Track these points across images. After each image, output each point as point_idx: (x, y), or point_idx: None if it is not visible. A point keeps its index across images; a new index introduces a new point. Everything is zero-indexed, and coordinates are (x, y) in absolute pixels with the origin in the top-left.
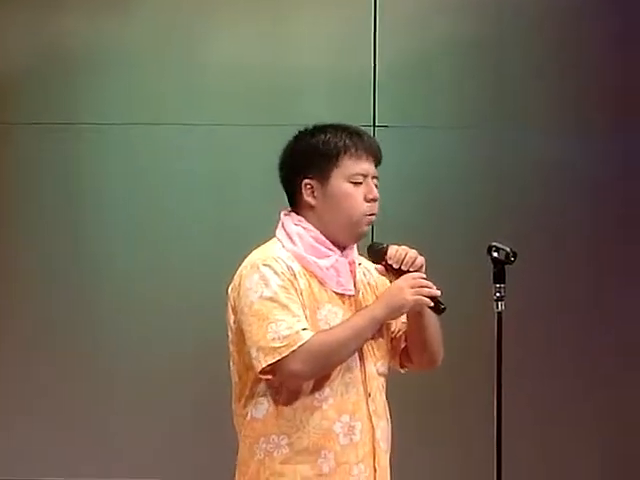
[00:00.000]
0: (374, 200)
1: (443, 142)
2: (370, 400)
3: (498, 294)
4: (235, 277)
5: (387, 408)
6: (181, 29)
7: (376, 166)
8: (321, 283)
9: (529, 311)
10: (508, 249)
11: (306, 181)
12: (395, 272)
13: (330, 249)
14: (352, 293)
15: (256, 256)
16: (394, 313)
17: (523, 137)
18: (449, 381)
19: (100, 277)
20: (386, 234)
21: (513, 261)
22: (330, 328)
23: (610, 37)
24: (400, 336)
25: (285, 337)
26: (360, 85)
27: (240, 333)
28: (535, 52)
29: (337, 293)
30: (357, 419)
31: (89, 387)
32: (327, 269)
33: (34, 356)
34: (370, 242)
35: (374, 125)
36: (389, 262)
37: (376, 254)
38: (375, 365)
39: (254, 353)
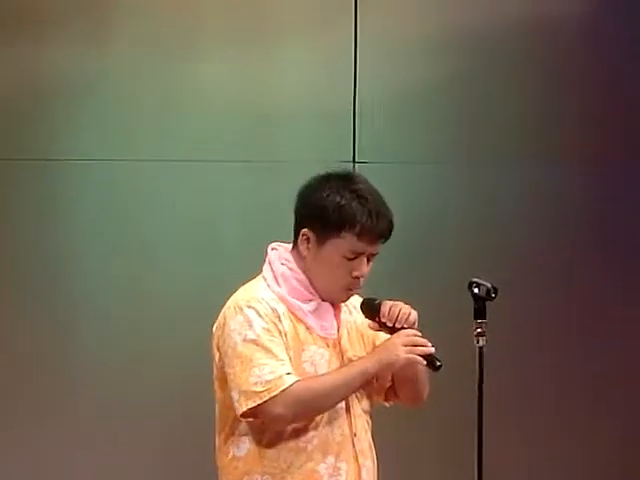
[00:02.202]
0: (359, 277)
1: (423, 177)
2: (356, 440)
3: (479, 330)
4: (220, 316)
5: (372, 447)
6: (161, 63)
7: (382, 243)
8: (305, 326)
9: (510, 346)
10: (489, 285)
11: (304, 231)
12: (388, 328)
13: (312, 292)
14: (335, 337)
15: (240, 296)
16: (386, 369)
17: (505, 171)
18: (430, 417)
19: (77, 314)
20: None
21: (494, 297)
22: (318, 375)
23: (591, 72)
24: (386, 375)
25: (267, 381)
26: (340, 121)
27: (224, 372)
28: (514, 86)
29: (320, 336)
30: (342, 459)
31: (60, 429)
32: (310, 313)
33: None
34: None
35: (354, 161)
36: (383, 320)
37: (369, 310)
38: (360, 403)
39: (236, 396)
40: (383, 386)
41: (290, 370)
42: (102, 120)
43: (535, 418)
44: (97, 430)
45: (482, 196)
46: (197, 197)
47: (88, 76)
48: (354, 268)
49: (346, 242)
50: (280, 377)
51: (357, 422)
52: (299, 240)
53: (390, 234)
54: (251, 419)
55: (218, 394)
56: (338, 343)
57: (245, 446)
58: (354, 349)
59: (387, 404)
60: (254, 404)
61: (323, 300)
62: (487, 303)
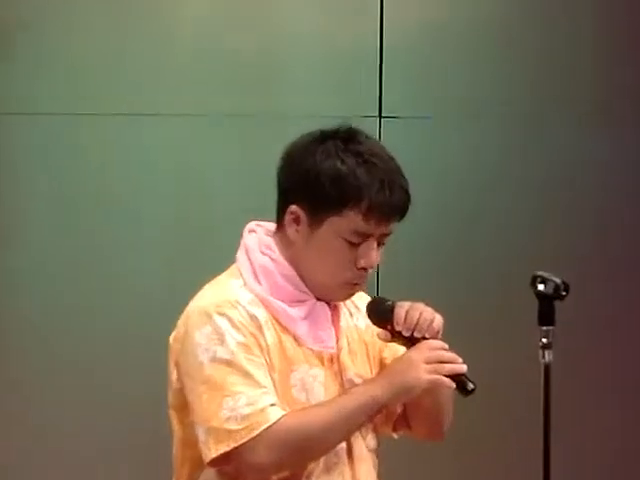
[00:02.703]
0: (366, 269)
1: (462, 136)
2: None
3: (545, 340)
4: (179, 324)
5: None
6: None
7: (397, 221)
8: (294, 338)
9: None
10: (558, 280)
11: (293, 208)
12: (405, 340)
13: (303, 291)
14: (333, 351)
15: (208, 298)
16: (403, 395)
17: (569, 131)
18: (491, 445)
19: (20, 281)
20: (386, 253)
21: (565, 295)
22: (312, 407)
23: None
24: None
25: (245, 417)
26: (364, 69)
27: (183, 398)
28: (571, 32)
29: (314, 350)
30: None
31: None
32: (301, 320)
33: None
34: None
35: (380, 116)
36: (396, 328)
37: (379, 314)
38: (365, 440)
39: (202, 435)
40: (392, 413)
41: (274, 400)
42: (69, 68)
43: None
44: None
45: (542, 158)
46: (179, 155)
47: (53, 15)
48: (360, 256)
49: (350, 222)
50: (262, 410)
51: (361, 468)
52: (285, 220)
53: (407, 210)
54: (222, 466)
55: (175, 427)
56: (336, 359)
57: None
58: (356, 366)
59: (395, 435)
60: (228, 448)
61: (317, 299)
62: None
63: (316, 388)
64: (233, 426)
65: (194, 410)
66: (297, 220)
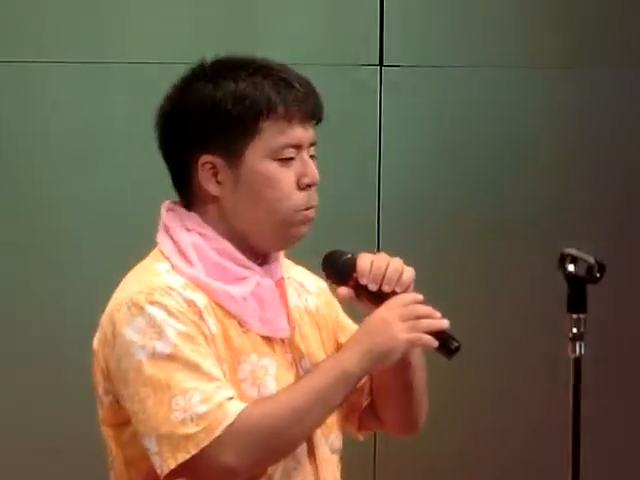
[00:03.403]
0: (311, 185)
1: (467, 85)
2: None
3: (575, 330)
4: (103, 323)
5: None
6: None
7: (315, 125)
8: (239, 323)
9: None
10: (592, 259)
11: (205, 159)
12: (371, 296)
13: (245, 266)
14: (286, 334)
15: (135, 287)
16: (379, 362)
17: (599, 80)
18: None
19: None
20: (390, 216)
21: (599, 278)
22: (274, 395)
23: None
24: (362, 386)
25: (201, 416)
26: (364, 14)
27: (118, 410)
28: None
29: (263, 336)
30: None
31: None
32: (244, 300)
33: None
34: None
35: (381, 65)
36: (361, 282)
37: (338, 270)
38: (327, 440)
39: (153, 446)
40: (356, 406)
41: (232, 393)
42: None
43: None
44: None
45: (565, 109)
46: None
47: None
48: (299, 174)
49: (273, 135)
50: (220, 406)
51: (326, 471)
52: (200, 180)
53: (322, 110)
54: (181, 478)
55: (112, 448)
56: (289, 345)
57: None
58: (310, 354)
59: (360, 436)
60: (187, 455)
61: (263, 259)
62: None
63: (269, 383)
64: (190, 429)
65: (138, 420)
66: (214, 170)
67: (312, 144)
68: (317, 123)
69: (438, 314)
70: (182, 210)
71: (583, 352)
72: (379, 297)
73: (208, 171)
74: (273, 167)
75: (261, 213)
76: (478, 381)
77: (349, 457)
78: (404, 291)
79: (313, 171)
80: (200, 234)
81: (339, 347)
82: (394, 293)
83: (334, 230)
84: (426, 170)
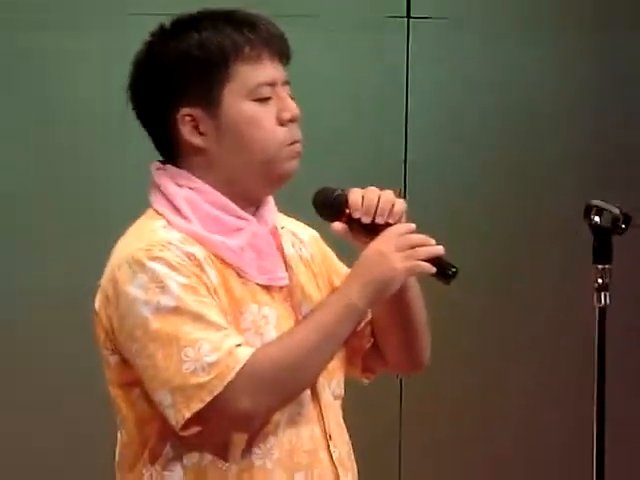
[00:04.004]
0: (293, 120)
1: (499, 40)
2: (332, 444)
3: (600, 280)
4: (104, 284)
5: (352, 452)
6: None
7: (284, 65)
8: (238, 273)
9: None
10: (617, 210)
11: (184, 112)
12: (364, 230)
13: (240, 216)
14: (285, 282)
15: (134, 245)
16: (381, 293)
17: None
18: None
19: None
20: (417, 176)
21: (625, 229)
22: (284, 333)
23: None
24: (363, 329)
25: (212, 365)
26: None
27: (125, 369)
28: None
29: (262, 285)
30: (317, 477)
31: None
32: (241, 250)
33: None
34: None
35: (408, 17)
36: (354, 215)
37: (330, 205)
38: (330, 386)
39: (166, 399)
40: (359, 348)
41: (239, 340)
42: None
43: None
44: None
45: (601, 74)
46: None
47: None
48: (278, 111)
49: (243, 77)
50: (230, 353)
51: (329, 416)
52: (182, 133)
53: (288, 47)
54: (196, 429)
55: (123, 408)
56: (287, 293)
57: (175, 476)
58: (308, 299)
59: (365, 379)
60: (202, 404)
61: (256, 209)
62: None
63: (269, 331)
64: (202, 378)
65: (149, 376)
66: (194, 122)
67: (286, 82)
68: (286, 63)
69: (432, 241)
70: (172, 168)
71: (608, 302)
72: (373, 230)
73: (188, 124)
74: (251, 107)
75: (248, 155)
76: (503, 330)
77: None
78: (397, 222)
79: (292, 106)
80: (192, 188)
81: (336, 289)
82: (387, 225)
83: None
84: (452, 118)
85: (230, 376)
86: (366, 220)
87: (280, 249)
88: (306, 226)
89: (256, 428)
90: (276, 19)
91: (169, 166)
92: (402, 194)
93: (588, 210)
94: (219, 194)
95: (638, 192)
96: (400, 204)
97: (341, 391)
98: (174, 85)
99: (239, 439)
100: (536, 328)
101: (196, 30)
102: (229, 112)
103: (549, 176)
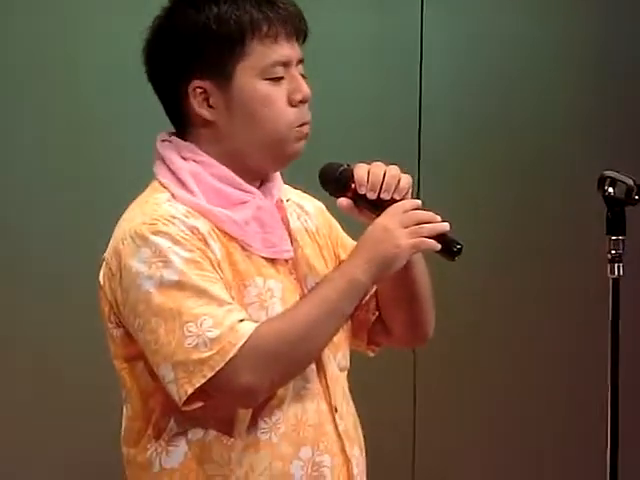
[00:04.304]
0: (304, 101)
1: (520, 11)
2: (337, 417)
3: (614, 251)
4: (108, 258)
5: (358, 425)
6: None
7: (300, 44)
8: (242, 247)
9: None
10: (630, 181)
11: (196, 84)
12: (370, 206)
13: (245, 190)
14: (290, 255)
15: (137, 218)
16: (385, 270)
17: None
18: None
19: None
20: (434, 156)
21: (638, 200)
22: (287, 309)
23: None
24: (368, 302)
25: (215, 340)
26: None
27: (130, 343)
28: None
29: (267, 258)
30: (323, 450)
31: None
32: (246, 223)
33: None
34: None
35: None
36: (360, 191)
37: (336, 181)
38: (335, 358)
39: (168, 374)
40: (365, 321)
41: (242, 315)
42: None
43: None
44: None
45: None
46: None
47: None
48: (290, 91)
49: (258, 56)
50: (232, 329)
51: (335, 389)
52: (193, 107)
53: (307, 26)
54: (199, 404)
55: (127, 381)
56: (292, 265)
57: (180, 451)
58: (313, 272)
59: (371, 352)
60: (203, 379)
61: (261, 183)
62: (627, 209)
63: (276, 305)
64: (204, 353)
65: (151, 350)
66: (205, 94)
67: (300, 61)
68: (303, 41)
69: (438, 218)
70: (177, 140)
71: (622, 273)
72: (378, 205)
73: (199, 96)
74: (264, 86)
75: (256, 133)
76: (513, 301)
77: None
78: (403, 198)
79: (304, 87)
80: (197, 162)
81: (341, 264)
82: (393, 200)
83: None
84: (470, 90)
85: (232, 352)
86: (372, 196)
87: (285, 222)
88: (312, 198)
89: (259, 403)
90: None
91: (174, 138)
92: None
93: (602, 181)
94: (224, 167)
95: None
96: (406, 179)
97: (347, 363)
98: (189, 56)
99: (243, 414)
100: (544, 300)
101: (215, 3)
102: (241, 88)
103: (562, 145)
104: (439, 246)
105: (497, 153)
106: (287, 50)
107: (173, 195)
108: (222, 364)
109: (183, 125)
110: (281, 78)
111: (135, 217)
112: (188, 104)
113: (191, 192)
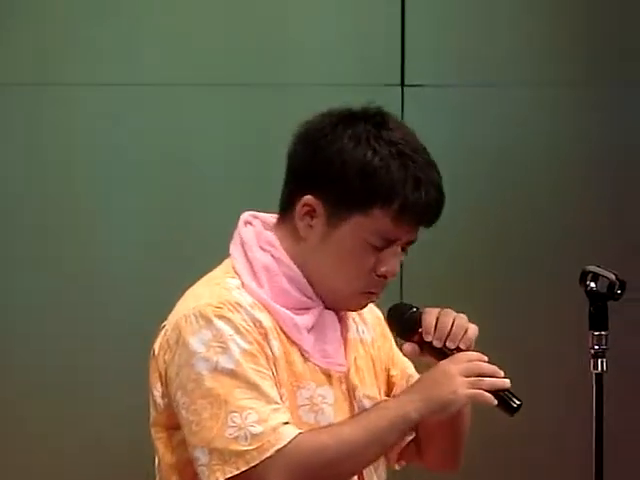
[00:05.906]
0: (386, 277)
1: (493, 106)
2: None
3: (597, 347)
4: (169, 328)
5: None
6: None
7: (427, 227)
8: (300, 350)
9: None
10: (612, 276)
11: (309, 199)
12: (435, 352)
13: (310, 297)
14: (344, 369)
15: (205, 299)
16: (438, 412)
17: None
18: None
19: None
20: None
21: (620, 295)
22: (331, 426)
23: None
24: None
25: (256, 436)
26: (385, 33)
27: (172, 415)
28: None
29: (321, 366)
30: None
31: None
32: (307, 330)
33: None
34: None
35: (402, 84)
36: (426, 338)
37: (403, 325)
38: (377, 471)
39: (203, 457)
40: (401, 442)
41: (287, 418)
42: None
43: None
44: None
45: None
46: (169, 131)
47: None
48: (381, 262)
49: (377, 223)
50: (274, 429)
51: None
52: (296, 211)
53: (440, 214)
54: None
55: (160, 450)
56: (345, 377)
57: None
58: (364, 385)
59: (397, 466)
60: (236, 471)
61: (326, 307)
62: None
63: (326, 409)
64: (243, 447)
65: (191, 430)
66: (312, 213)
67: (411, 241)
68: (432, 224)
69: (501, 373)
70: (260, 226)
71: (605, 369)
72: (443, 353)
73: (306, 210)
74: (362, 246)
75: (331, 276)
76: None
77: None
78: (468, 347)
79: (394, 266)
80: (273, 257)
81: (390, 379)
82: (458, 349)
83: None
84: (450, 186)
85: (269, 452)
86: (437, 344)
87: (345, 331)
88: (372, 306)
89: None
90: (258, 87)
91: (257, 222)
92: None
93: (584, 275)
94: (298, 270)
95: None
96: (473, 330)
97: (385, 475)
98: (325, 177)
99: None
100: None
101: (373, 150)
102: (342, 234)
103: (546, 243)
104: (495, 402)
105: (478, 250)
106: (406, 235)
107: (243, 283)
108: (257, 461)
109: (286, 213)
110: (381, 249)
111: (202, 296)
112: (293, 207)
113: (261, 285)
